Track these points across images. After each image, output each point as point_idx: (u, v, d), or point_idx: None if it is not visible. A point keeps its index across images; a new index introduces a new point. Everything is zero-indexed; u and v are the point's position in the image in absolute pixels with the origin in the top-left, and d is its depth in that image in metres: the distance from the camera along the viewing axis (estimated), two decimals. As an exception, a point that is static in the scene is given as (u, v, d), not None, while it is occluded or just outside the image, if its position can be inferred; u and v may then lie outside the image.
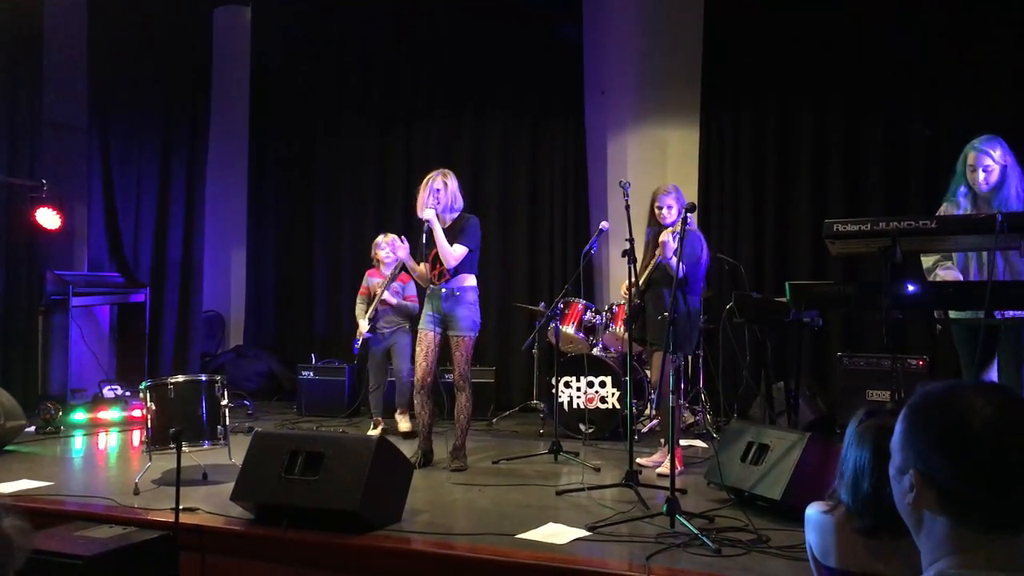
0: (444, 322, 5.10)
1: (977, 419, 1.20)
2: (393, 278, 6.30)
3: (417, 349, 5.16)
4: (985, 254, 4.11)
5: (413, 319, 6.22)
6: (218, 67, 8.73)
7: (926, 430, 1.25)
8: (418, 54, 8.32)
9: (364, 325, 6.37)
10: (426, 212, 5.02)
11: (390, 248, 6.28)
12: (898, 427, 1.30)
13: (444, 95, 8.22)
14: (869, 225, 3.80)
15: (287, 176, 8.88)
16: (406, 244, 5.28)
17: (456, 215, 5.18)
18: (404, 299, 6.43)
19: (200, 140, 8.45)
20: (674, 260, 4.63)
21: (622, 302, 6.01)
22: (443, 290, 5.07)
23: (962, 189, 4.19)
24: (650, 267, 5.02)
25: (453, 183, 5.16)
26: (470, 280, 5.13)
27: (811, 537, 2.26)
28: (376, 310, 6.34)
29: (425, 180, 5.18)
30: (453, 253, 5.01)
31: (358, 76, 8.59)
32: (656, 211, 5.04)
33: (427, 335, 5.11)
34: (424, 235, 5.03)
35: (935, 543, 1.24)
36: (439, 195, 5.09)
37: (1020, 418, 1.20)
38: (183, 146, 8.27)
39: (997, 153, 4.08)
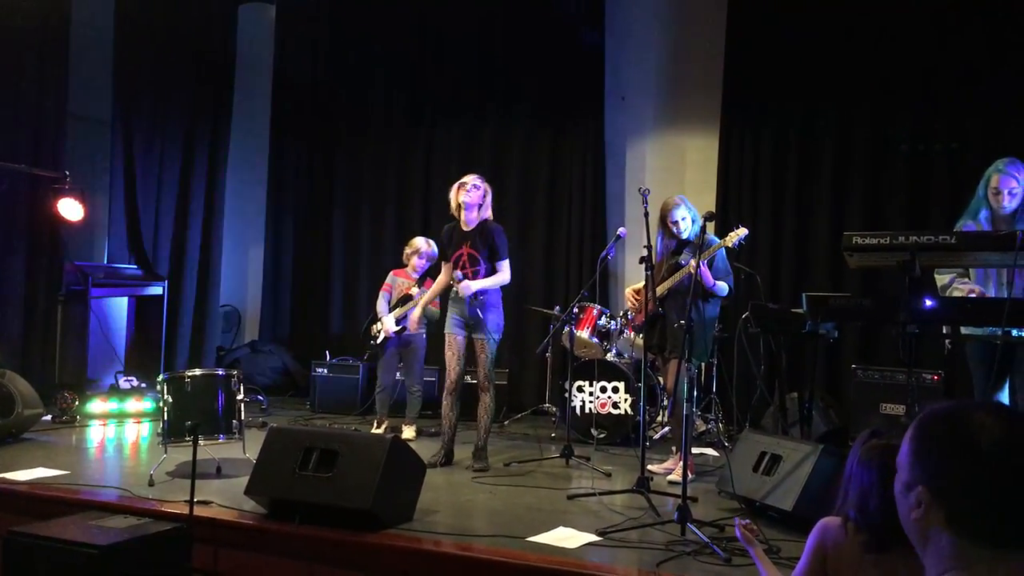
0: (469, 325, 5.14)
1: (986, 437, 1.21)
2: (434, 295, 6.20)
3: (447, 354, 5.21)
4: (1004, 272, 4.10)
5: (432, 323, 6.22)
6: (241, 64, 8.79)
7: (934, 447, 1.26)
8: (440, 57, 8.36)
9: (391, 325, 6.27)
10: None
11: (428, 256, 6.35)
12: (905, 444, 1.31)
13: (465, 98, 8.24)
14: (888, 239, 3.79)
15: (307, 174, 8.93)
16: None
17: (480, 221, 5.18)
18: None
19: (222, 136, 8.52)
20: (718, 284, 4.69)
21: (628, 310, 6.01)
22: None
23: (984, 212, 4.18)
24: (672, 281, 5.00)
25: (490, 192, 5.22)
26: None
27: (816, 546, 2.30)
28: (406, 314, 6.18)
29: (462, 181, 5.17)
30: (502, 279, 5.14)
31: (380, 77, 8.61)
32: (671, 226, 5.02)
33: (456, 339, 5.18)
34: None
35: (940, 559, 1.24)
36: (475, 193, 5.11)
37: None
38: (205, 141, 8.33)
39: (1022, 176, 4.08)
